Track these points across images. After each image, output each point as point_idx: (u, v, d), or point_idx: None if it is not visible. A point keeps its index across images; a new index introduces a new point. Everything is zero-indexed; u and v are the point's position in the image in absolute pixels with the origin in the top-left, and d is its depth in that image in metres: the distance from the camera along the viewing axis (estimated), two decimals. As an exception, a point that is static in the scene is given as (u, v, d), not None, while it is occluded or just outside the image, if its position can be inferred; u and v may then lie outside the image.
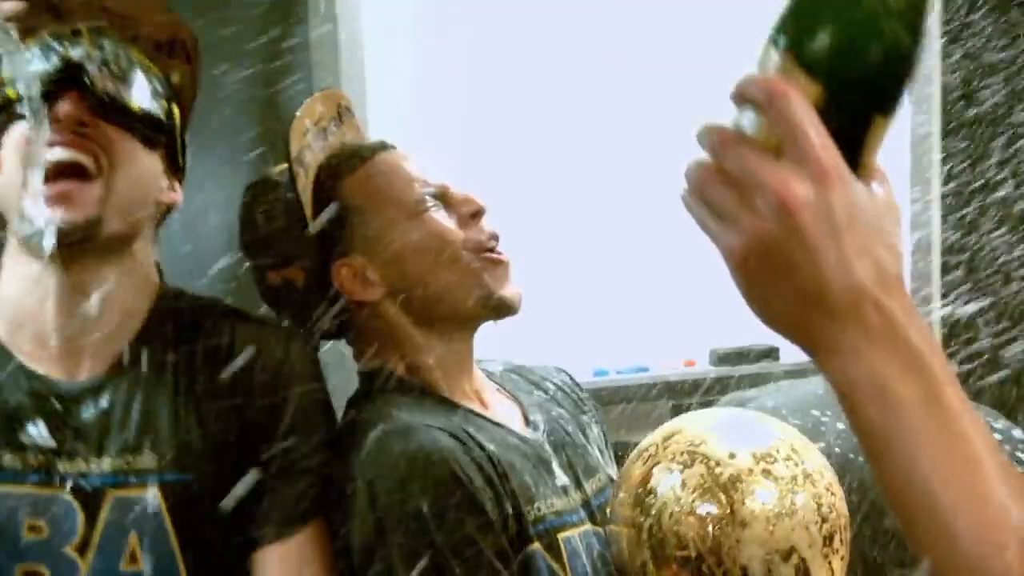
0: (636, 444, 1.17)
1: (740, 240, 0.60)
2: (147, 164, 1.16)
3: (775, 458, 1.05)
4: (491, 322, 1.32)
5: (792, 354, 1.29)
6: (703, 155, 0.63)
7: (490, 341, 1.37)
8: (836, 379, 0.62)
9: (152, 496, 1.10)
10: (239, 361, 1.17)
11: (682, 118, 2.45)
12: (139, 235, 1.17)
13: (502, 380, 1.41)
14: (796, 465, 1.06)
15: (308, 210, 1.27)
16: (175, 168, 1.23)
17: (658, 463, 1.09)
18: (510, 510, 1.15)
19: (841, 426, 1.30)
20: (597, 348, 2.27)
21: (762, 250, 0.60)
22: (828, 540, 1.05)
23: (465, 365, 1.32)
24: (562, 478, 1.28)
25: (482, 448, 1.18)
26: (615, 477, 1.31)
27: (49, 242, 1.06)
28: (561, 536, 1.22)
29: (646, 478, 1.09)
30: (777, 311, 0.63)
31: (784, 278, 0.60)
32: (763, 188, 0.59)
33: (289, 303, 1.31)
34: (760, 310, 0.63)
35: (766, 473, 1.04)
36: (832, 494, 1.07)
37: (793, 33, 0.61)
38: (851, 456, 1.27)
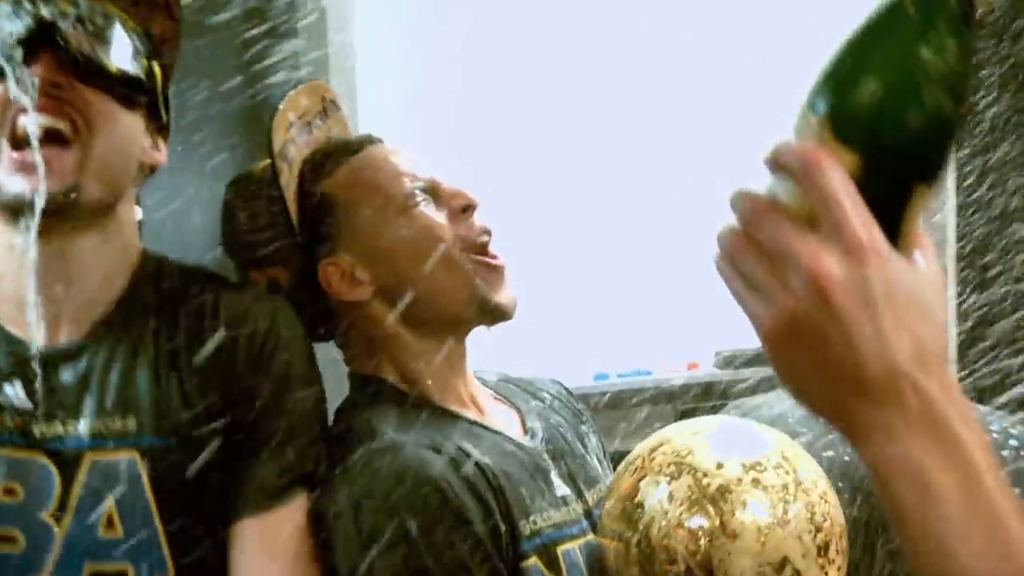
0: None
1: (771, 314, 0.60)
2: (127, 125, 1.15)
3: (765, 467, 1.06)
4: (484, 327, 1.32)
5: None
6: (734, 220, 0.62)
7: (487, 343, 1.37)
8: (870, 460, 0.61)
9: (130, 459, 1.11)
10: (222, 327, 1.18)
11: (682, 114, 2.46)
12: (121, 199, 1.17)
13: (498, 388, 1.41)
14: (787, 474, 1.07)
15: (292, 207, 1.27)
16: (158, 126, 1.23)
17: (645, 475, 1.09)
18: (503, 526, 1.16)
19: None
20: (597, 351, 2.27)
21: (793, 326, 0.60)
22: (823, 550, 1.05)
23: (458, 368, 1.32)
24: (562, 488, 1.29)
25: (476, 463, 1.18)
26: (611, 489, 1.31)
27: (27, 213, 1.07)
28: (560, 549, 1.23)
29: (633, 491, 1.10)
30: (809, 388, 0.63)
31: (817, 355, 0.60)
32: (795, 262, 0.59)
33: None
34: (791, 385, 0.63)
35: (756, 483, 1.05)
36: (826, 502, 1.08)
37: (829, 99, 0.61)
38: (860, 465, 1.27)
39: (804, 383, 0.63)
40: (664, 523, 1.05)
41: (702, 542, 1.03)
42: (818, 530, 1.05)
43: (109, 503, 1.10)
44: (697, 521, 1.04)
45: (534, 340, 1.79)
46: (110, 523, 1.11)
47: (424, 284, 1.26)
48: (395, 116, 2.10)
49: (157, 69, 1.20)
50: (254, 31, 1.88)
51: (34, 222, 1.06)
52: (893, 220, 0.61)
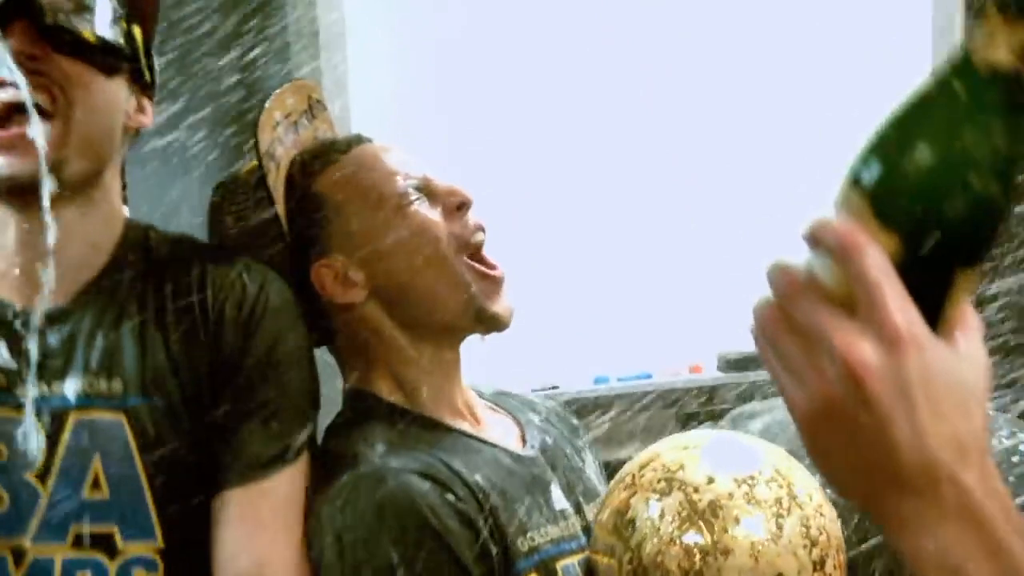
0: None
1: (805, 398, 0.60)
2: (109, 93, 1.15)
3: (757, 481, 1.06)
4: (478, 335, 1.32)
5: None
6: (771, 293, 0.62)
7: (486, 345, 1.37)
8: (905, 550, 0.61)
9: (116, 420, 1.12)
10: (209, 293, 1.18)
11: (680, 113, 2.46)
12: (106, 167, 1.17)
13: (495, 399, 1.42)
14: (781, 487, 1.07)
15: (280, 208, 1.27)
16: (142, 87, 1.22)
17: (635, 493, 1.09)
18: (494, 548, 1.16)
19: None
20: (597, 353, 2.27)
21: (828, 413, 0.60)
22: (819, 565, 1.05)
23: (453, 375, 1.32)
24: (561, 502, 1.29)
25: (465, 483, 1.18)
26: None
27: (11, 190, 1.08)
28: (560, 564, 1.23)
29: (624, 508, 1.10)
30: (844, 476, 0.63)
31: (851, 445, 0.60)
32: (830, 346, 0.58)
33: None
34: (823, 468, 0.63)
35: (748, 497, 1.05)
36: (822, 515, 1.08)
37: (871, 178, 0.60)
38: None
39: (837, 467, 0.63)
40: (656, 540, 1.05)
41: (695, 559, 1.03)
42: (814, 544, 1.05)
43: (95, 464, 1.11)
44: (688, 538, 1.04)
45: (534, 343, 1.80)
46: (95, 484, 1.12)
47: (419, 285, 1.27)
48: (388, 113, 2.11)
49: (137, 31, 1.19)
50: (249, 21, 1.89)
51: (43, 202, 1.07)
52: (935, 304, 0.60)
